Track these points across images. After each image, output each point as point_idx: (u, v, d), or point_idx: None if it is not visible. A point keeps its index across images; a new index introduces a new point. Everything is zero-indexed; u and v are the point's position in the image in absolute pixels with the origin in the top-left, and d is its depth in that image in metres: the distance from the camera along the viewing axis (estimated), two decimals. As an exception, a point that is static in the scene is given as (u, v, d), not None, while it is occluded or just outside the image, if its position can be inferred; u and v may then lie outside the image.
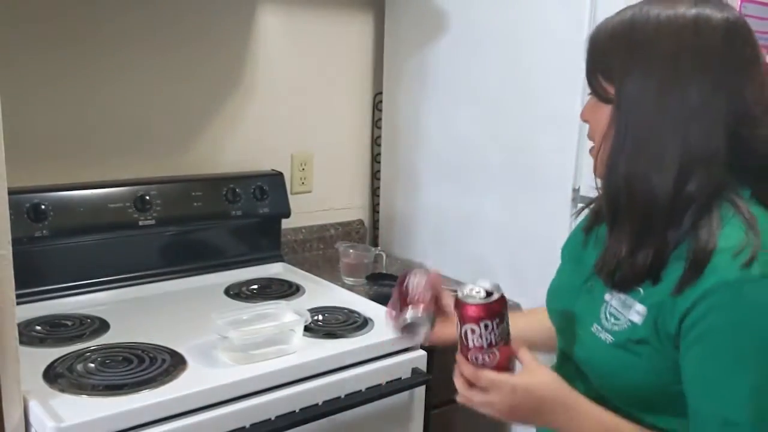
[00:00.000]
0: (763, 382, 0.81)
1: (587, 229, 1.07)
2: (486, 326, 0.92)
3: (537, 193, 1.74)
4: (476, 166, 1.92)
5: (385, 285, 1.90)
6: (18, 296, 1.08)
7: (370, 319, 1.59)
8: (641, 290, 0.91)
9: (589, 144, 0.98)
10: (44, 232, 1.57)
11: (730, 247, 0.83)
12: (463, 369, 0.95)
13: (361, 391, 1.42)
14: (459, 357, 0.96)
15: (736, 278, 0.81)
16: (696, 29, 0.86)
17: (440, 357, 1.61)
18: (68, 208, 1.61)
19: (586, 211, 1.10)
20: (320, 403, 1.36)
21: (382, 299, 1.72)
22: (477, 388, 0.94)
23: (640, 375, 0.90)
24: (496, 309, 0.93)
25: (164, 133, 1.87)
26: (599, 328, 0.95)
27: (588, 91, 0.96)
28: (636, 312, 0.90)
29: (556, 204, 1.69)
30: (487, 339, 0.92)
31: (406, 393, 1.50)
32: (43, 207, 1.57)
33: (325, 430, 1.37)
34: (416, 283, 1.10)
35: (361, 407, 1.41)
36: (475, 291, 0.94)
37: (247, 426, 1.26)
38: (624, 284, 0.91)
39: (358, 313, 1.62)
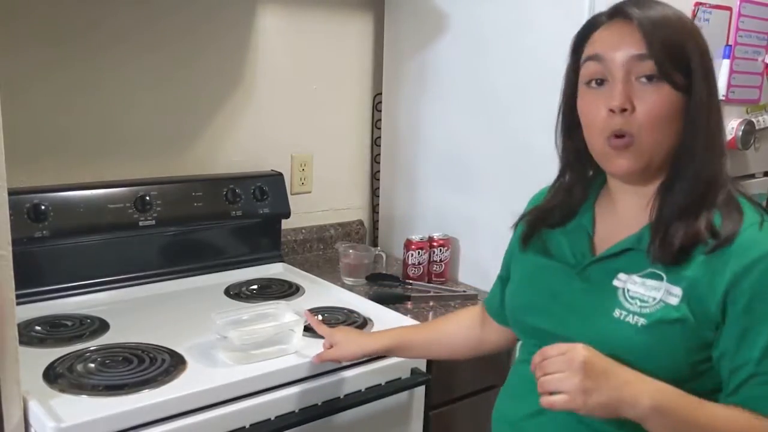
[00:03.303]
0: None
1: (526, 238, 1.14)
2: None
3: (536, 194, 1.74)
4: (476, 167, 1.92)
5: (385, 285, 1.90)
6: (18, 296, 1.08)
7: (370, 320, 1.60)
8: (662, 273, 0.95)
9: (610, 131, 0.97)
10: (44, 232, 1.57)
11: (753, 223, 0.93)
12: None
13: (360, 391, 1.42)
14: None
15: None
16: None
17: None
18: (68, 208, 1.61)
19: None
20: (320, 404, 1.36)
21: (381, 299, 1.73)
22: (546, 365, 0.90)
23: (674, 355, 0.92)
24: None
25: (164, 133, 1.87)
26: (624, 312, 0.95)
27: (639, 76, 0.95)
28: (670, 293, 0.93)
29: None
30: None
31: (405, 393, 1.50)
32: (43, 207, 1.57)
33: (324, 430, 1.37)
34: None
35: (361, 407, 1.41)
36: None
37: (247, 426, 1.26)
38: (670, 258, 0.94)
39: (358, 314, 1.62)
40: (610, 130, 0.97)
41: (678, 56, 0.94)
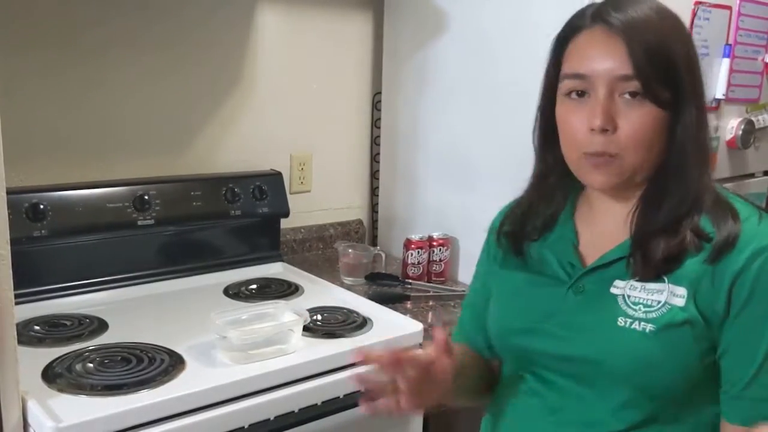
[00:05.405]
0: None
1: (514, 252, 1.07)
2: None
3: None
4: (476, 166, 1.92)
5: (384, 285, 1.90)
6: (16, 296, 1.08)
7: (369, 319, 1.59)
8: (664, 275, 0.92)
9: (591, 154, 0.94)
10: (43, 231, 1.56)
11: (749, 217, 0.91)
12: None
13: (360, 391, 1.41)
14: None
15: None
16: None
17: (439, 357, 1.61)
18: (67, 207, 1.60)
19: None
20: (319, 403, 1.36)
21: (381, 299, 1.73)
22: None
23: (687, 358, 0.89)
24: None
25: (163, 132, 1.87)
26: (629, 319, 0.91)
27: (622, 93, 0.91)
28: (675, 295, 0.90)
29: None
30: None
31: (405, 393, 1.50)
32: (41, 207, 1.56)
33: (324, 430, 1.37)
34: None
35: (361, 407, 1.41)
36: None
37: (246, 426, 1.26)
38: (660, 270, 0.92)
39: (357, 313, 1.62)
40: (590, 149, 0.92)
41: (665, 72, 0.89)
